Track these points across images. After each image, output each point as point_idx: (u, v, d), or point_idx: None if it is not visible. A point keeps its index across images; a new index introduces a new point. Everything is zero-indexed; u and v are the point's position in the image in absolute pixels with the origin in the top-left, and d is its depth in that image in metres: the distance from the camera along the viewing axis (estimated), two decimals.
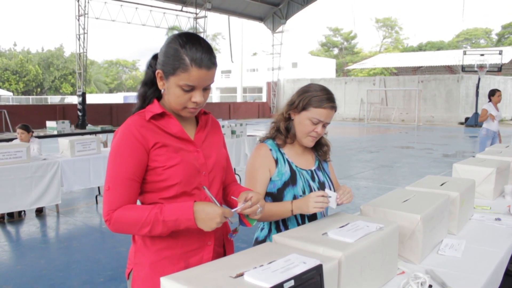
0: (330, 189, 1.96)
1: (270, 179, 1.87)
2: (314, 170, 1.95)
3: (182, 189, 1.43)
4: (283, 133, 1.91)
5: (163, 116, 1.45)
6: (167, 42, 1.41)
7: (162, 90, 1.45)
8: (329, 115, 1.83)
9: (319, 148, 2.01)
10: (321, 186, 1.92)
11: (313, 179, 1.91)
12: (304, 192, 1.85)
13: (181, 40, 1.37)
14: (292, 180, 1.86)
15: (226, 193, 1.65)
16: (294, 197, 1.85)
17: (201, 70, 1.35)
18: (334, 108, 1.84)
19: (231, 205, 1.59)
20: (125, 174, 1.37)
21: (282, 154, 1.91)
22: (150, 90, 1.50)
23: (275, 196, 1.87)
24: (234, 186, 1.66)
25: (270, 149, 1.90)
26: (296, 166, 1.90)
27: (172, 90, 1.39)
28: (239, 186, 1.66)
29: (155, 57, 1.48)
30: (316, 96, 1.81)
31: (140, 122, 1.41)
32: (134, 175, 1.38)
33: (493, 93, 7.59)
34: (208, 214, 1.30)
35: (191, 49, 1.35)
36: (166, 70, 1.38)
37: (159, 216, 1.32)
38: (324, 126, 1.86)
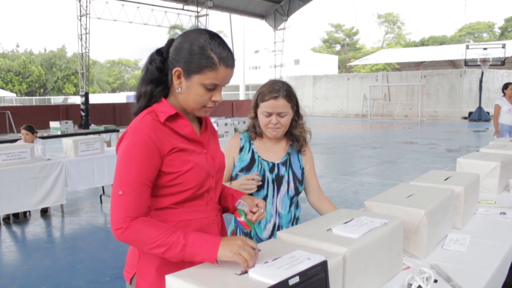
0: (288, 184, 2.05)
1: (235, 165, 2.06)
2: (278, 163, 2.04)
3: (195, 193, 1.41)
4: (252, 130, 2.09)
5: (175, 117, 1.40)
6: (190, 39, 1.34)
7: (179, 89, 1.37)
8: (275, 105, 1.94)
9: (295, 140, 2.10)
10: (277, 179, 2.01)
11: (271, 171, 2.02)
12: None
13: (206, 38, 1.33)
14: (248, 167, 2.02)
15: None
16: None
17: (227, 69, 1.35)
18: (276, 97, 1.94)
19: (225, 207, 1.61)
20: (141, 179, 1.29)
21: (250, 144, 2.07)
22: (157, 88, 1.41)
23: (232, 179, 2.06)
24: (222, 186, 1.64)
25: (241, 139, 2.08)
26: (259, 157, 2.04)
27: (194, 89, 1.35)
28: (225, 186, 1.66)
29: (159, 52, 1.41)
30: (262, 92, 1.98)
31: (155, 124, 1.35)
32: (149, 180, 1.32)
33: (506, 87, 7.55)
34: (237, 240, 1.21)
35: (217, 47, 1.32)
36: (189, 69, 1.33)
37: (181, 239, 1.23)
38: (280, 116, 1.96)
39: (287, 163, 2.06)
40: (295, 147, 2.10)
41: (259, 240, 1.98)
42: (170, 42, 1.41)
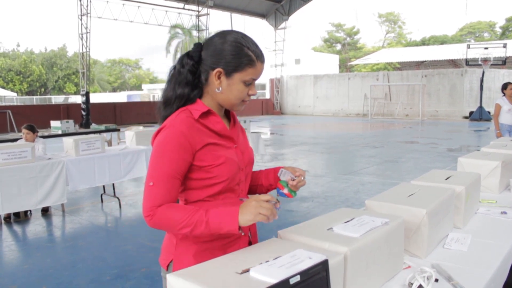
0: None
1: None
2: None
3: (228, 186, 1.50)
4: None
5: (207, 114, 1.50)
6: (226, 40, 1.45)
7: (219, 89, 1.48)
8: None
9: None
10: None
11: None
12: None
13: (241, 38, 1.46)
14: None
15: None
16: None
17: (262, 64, 1.50)
18: None
19: (256, 189, 1.70)
20: (171, 172, 1.40)
21: None
22: (194, 91, 1.51)
23: None
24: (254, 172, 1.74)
25: None
26: None
27: (235, 86, 1.47)
28: (257, 171, 1.75)
29: (189, 56, 1.50)
30: None
31: (189, 121, 1.45)
32: (179, 174, 1.42)
33: (505, 87, 7.54)
34: (252, 201, 1.33)
35: (251, 46, 1.46)
36: (231, 68, 1.44)
37: (203, 217, 1.34)
38: None
39: None
40: None
41: None
42: (199, 46, 1.51)
